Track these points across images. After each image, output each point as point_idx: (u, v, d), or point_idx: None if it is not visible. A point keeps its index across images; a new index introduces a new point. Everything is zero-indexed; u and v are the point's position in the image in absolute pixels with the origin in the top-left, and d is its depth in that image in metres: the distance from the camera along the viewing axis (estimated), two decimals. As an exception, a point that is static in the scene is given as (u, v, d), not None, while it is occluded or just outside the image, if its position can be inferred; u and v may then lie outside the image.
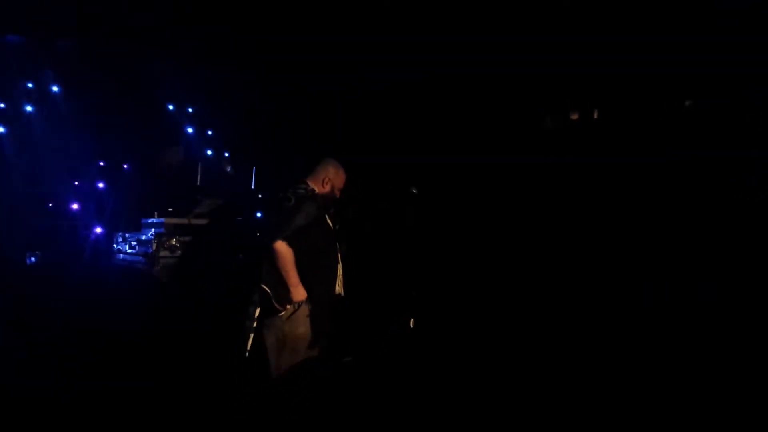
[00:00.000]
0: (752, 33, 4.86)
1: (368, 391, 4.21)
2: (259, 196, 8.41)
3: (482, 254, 5.94)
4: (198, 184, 7.88)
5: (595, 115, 6.08)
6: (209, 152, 8.02)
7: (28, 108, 7.80)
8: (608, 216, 5.32)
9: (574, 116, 6.23)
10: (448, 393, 4.19)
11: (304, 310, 3.63)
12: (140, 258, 6.35)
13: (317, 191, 3.80)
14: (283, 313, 3.63)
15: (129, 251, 6.59)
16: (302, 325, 3.64)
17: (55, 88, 7.90)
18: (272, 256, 3.55)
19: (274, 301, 3.60)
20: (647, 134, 5.41)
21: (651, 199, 5.11)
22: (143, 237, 6.45)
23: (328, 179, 3.86)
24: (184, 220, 6.60)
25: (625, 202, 5.27)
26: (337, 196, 3.92)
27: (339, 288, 3.87)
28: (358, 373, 4.55)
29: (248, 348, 3.60)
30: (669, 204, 4.99)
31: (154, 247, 6.27)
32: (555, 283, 5.31)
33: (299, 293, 3.59)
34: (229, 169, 7.73)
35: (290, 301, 3.60)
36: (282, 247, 3.51)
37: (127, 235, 6.69)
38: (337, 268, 3.92)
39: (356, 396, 4.13)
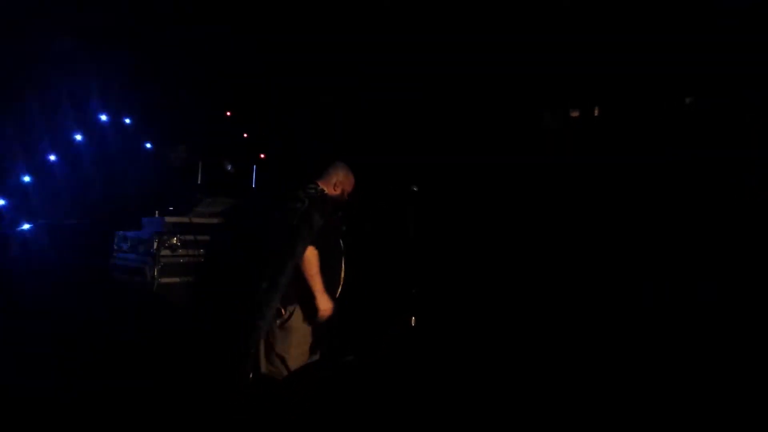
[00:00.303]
0: (752, 33, 4.85)
1: (368, 391, 4.21)
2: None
3: (483, 253, 5.95)
4: (198, 182, 7.89)
5: (596, 113, 6.07)
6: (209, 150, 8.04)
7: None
8: (608, 216, 5.32)
9: (575, 114, 6.22)
10: (449, 391, 4.19)
11: (299, 315, 3.56)
12: (141, 257, 6.33)
13: (327, 193, 3.75)
14: (279, 318, 3.58)
15: (129, 250, 6.58)
16: (294, 332, 3.57)
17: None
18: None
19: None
20: (647, 134, 5.41)
21: (651, 199, 5.11)
22: (144, 236, 6.44)
23: (339, 182, 3.81)
24: (185, 219, 6.59)
25: (625, 202, 5.27)
26: (347, 199, 3.87)
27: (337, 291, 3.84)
28: (359, 372, 4.55)
29: (257, 347, 3.56)
30: (669, 204, 4.99)
31: (155, 246, 6.26)
32: (555, 281, 5.32)
33: (325, 301, 3.52)
34: (229, 167, 7.72)
35: (291, 303, 3.57)
36: (310, 251, 3.47)
37: (127, 234, 6.67)
38: (341, 271, 3.88)
39: (356, 396, 4.14)
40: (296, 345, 3.56)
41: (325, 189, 3.75)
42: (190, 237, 6.46)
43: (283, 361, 3.55)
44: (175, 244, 6.34)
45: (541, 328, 4.98)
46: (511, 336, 5.02)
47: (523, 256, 5.69)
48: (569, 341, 4.71)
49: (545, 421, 3.74)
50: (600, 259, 5.20)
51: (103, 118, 8.17)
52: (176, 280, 6.23)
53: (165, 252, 6.27)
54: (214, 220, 6.76)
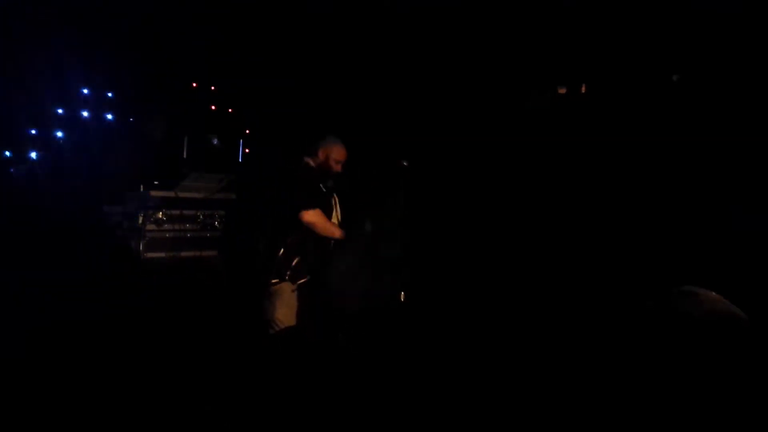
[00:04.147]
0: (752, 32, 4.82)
1: (357, 368, 4.20)
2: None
3: (475, 227, 5.94)
4: (184, 156, 7.77)
5: (583, 90, 6.04)
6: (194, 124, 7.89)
7: None
8: (601, 198, 5.33)
9: (562, 91, 6.17)
10: (439, 369, 4.19)
11: (287, 288, 3.75)
12: (126, 232, 6.25)
13: (312, 164, 3.98)
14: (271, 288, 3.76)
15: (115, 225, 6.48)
16: (280, 294, 3.78)
17: None
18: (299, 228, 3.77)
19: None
20: (641, 116, 5.39)
21: (650, 194, 5.11)
22: (129, 210, 6.34)
23: (322, 150, 4.02)
24: (171, 193, 6.51)
25: (618, 183, 5.28)
26: (334, 168, 4.05)
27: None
28: (348, 350, 4.54)
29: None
30: (668, 198, 5.00)
31: (140, 221, 6.18)
32: (547, 266, 5.33)
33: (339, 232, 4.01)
34: (215, 142, 7.60)
35: (279, 276, 3.74)
36: (310, 216, 3.76)
37: (112, 208, 6.57)
38: (330, 245, 4.04)
39: (345, 372, 4.12)
40: (280, 306, 3.75)
41: (311, 162, 3.98)
42: (176, 211, 6.40)
43: (271, 325, 3.74)
44: (161, 219, 6.27)
45: (531, 310, 5.00)
46: (503, 311, 5.03)
47: (516, 235, 5.70)
48: (560, 324, 4.73)
49: (536, 402, 3.75)
50: (592, 243, 5.22)
51: (86, 92, 8.03)
52: (162, 254, 6.18)
53: (151, 227, 6.20)
54: (200, 195, 6.68)
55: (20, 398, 3.45)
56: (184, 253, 6.31)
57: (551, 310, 4.95)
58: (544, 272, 5.36)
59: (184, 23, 7.37)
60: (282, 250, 3.78)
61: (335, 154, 4.08)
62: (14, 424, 3.26)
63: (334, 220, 4.11)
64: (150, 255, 6.10)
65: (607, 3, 5.50)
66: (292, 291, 3.78)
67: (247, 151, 8.56)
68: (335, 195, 4.17)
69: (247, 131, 8.42)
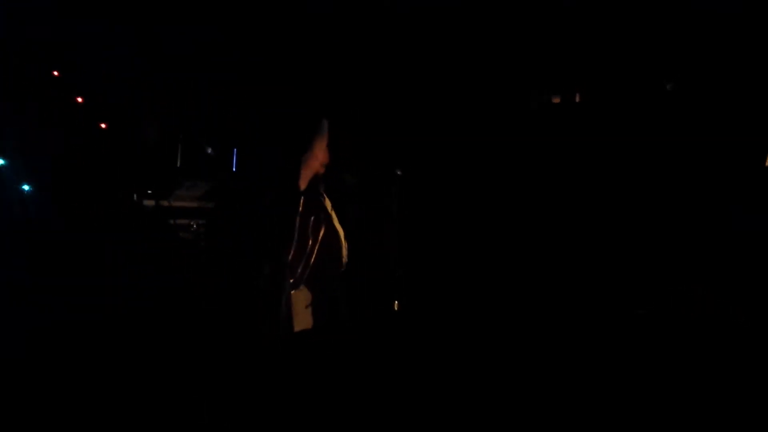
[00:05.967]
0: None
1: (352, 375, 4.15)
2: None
3: (471, 234, 5.90)
4: (178, 165, 7.71)
5: (577, 99, 6.01)
6: (189, 132, 7.82)
7: None
8: (599, 199, 5.29)
9: (556, 100, 6.15)
10: (434, 376, 4.15)
11: (301, 297, 3.68)
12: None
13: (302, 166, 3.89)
14: None
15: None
16: (295, 315, 3.68)
17: None
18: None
19: None
20: (644, 119, 5.35)
21: (649, 194, 5.08)
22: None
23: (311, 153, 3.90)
24: (165, 203, 6.47)
25: (613, 184, 5.25)
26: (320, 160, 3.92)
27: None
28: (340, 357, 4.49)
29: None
30: (667, 198, 4.96)
31: (133, 231, 6.14)
32: (544, 264, 5.29)
33: None
34: (209, 150, 7.54)
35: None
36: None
37: (105, 218, 6.52)
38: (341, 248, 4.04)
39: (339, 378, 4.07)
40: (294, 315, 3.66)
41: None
42: (169, 221, 6.36)
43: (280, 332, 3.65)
44: (155, 228, 6.24)
45: (532, 312, 4.95)
46: (499, 320, 4.98)
47: (512, 237, 5.65)
48: (559, 328, 4.67)
49: (535, 414, 3.70)
50: (589, 243, 5.18)
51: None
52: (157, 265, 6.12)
53: (144, 236, 6.16)
54: (194, 204, 6.63)
55: (20, 398, 3.43)
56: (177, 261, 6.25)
57: (549, 315, 4.90)
58: (541, 278, 5.31)
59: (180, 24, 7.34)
60: (312, 257, 3.69)
61: (322, 155, 3.95)
62: (14, 423, 3.24)
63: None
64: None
65: (606, 3, 5.47)
66: (306, 307, 3.71)
67: (240, 157, 8.50)
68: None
69: (245, 133, 8.36)
